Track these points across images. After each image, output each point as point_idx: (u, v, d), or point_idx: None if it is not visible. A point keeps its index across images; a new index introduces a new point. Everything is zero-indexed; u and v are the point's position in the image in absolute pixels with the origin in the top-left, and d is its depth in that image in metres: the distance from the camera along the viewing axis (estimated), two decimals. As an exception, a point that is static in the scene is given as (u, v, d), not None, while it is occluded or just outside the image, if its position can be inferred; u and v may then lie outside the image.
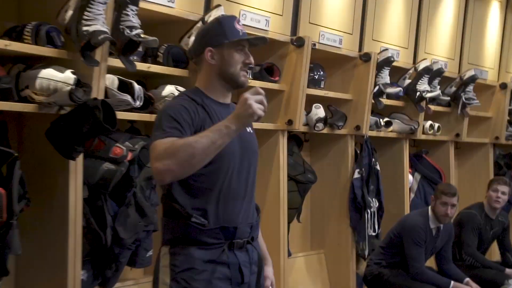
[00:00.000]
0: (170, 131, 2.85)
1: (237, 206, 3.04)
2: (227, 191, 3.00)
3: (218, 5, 4.53)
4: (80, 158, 3.88)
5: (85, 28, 3.72)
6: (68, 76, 3.63)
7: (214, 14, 4.43)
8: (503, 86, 8.03)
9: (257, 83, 4.87)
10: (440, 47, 7.33)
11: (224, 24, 3.09)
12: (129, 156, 4.10)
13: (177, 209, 2.98)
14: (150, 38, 3.96)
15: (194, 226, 2.95)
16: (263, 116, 2.80)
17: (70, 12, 3.78)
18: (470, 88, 7.34)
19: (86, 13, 3.73)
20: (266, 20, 5.20)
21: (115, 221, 4.10)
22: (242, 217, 3.05)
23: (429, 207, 5.95)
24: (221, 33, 3.06)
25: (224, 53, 3.05)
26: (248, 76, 3.14)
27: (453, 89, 7.36)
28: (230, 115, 2.78)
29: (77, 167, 3.90)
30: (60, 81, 3.61)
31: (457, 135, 7.49)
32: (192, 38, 4.41)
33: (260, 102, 2.76)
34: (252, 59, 3.11)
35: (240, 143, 3.04)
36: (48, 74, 3.63)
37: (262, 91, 2.80)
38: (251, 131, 3.21)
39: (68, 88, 3.60)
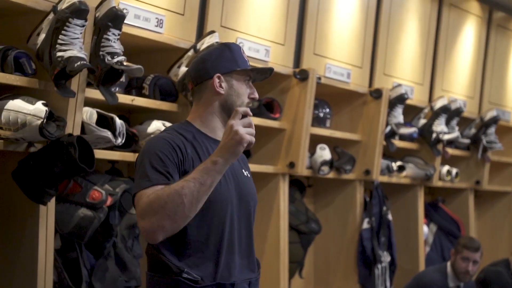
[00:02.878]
0: (155, 178, 2.76)
1: (235, 260, 2.93)
2: (223, 243, 2.89)
3: (212, 31, 4.47)
4: (52, 203, 3.78)
5: (59, 54, 3.62)
6: (39, 108, 3.53)
7: (207, 42, 4.43)
8: (528, 128, 7.96)
9: (255, 120, 4.72)
10: (458, 84, 7.28)
11: (234, 51, 3.05)
12: (109, 201, 4.01)
13: (165, 263, 2.85)
14: (135, 66, 3.84)
15: (185, 283, 2.82)
16: (254, 142, 2.73)
17: (42, 36, 3.70)
18: (492, 130, 7.28)
19: (61, 36, 3.64)
20: (266, 50, 5.10)
21: (92, 276, 3.99)
22: (239, 272, 2.94)
23: (448, 263, 5.90)
24: (232, 60, 3.02)
25: (233, 82, 3.01)
26: None
27: (473, 131, 7.29)
28: (216, 149, 2.73)
29: (48, 213, 3.78)
30: (29, 114, 3.51)
31: (477, 182, 7.40)
32: (183, 68, 4.34)
33: (248, 126, 2.72)
34: (257, 94, 3.07)
35: (237, 188, 2.97)
36: (16, 106, 3.55)
37: (248, 111, 2.76)
38: (249, 175, 3.13)
39: (39, 122, 3.50)
